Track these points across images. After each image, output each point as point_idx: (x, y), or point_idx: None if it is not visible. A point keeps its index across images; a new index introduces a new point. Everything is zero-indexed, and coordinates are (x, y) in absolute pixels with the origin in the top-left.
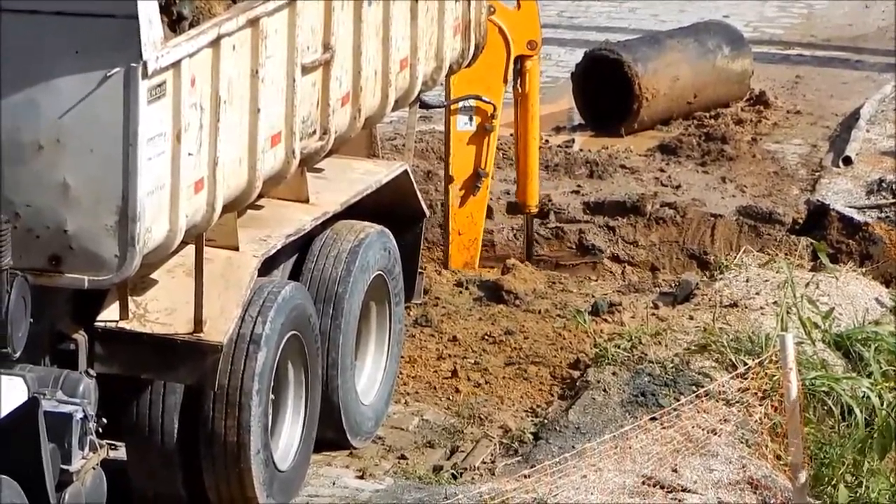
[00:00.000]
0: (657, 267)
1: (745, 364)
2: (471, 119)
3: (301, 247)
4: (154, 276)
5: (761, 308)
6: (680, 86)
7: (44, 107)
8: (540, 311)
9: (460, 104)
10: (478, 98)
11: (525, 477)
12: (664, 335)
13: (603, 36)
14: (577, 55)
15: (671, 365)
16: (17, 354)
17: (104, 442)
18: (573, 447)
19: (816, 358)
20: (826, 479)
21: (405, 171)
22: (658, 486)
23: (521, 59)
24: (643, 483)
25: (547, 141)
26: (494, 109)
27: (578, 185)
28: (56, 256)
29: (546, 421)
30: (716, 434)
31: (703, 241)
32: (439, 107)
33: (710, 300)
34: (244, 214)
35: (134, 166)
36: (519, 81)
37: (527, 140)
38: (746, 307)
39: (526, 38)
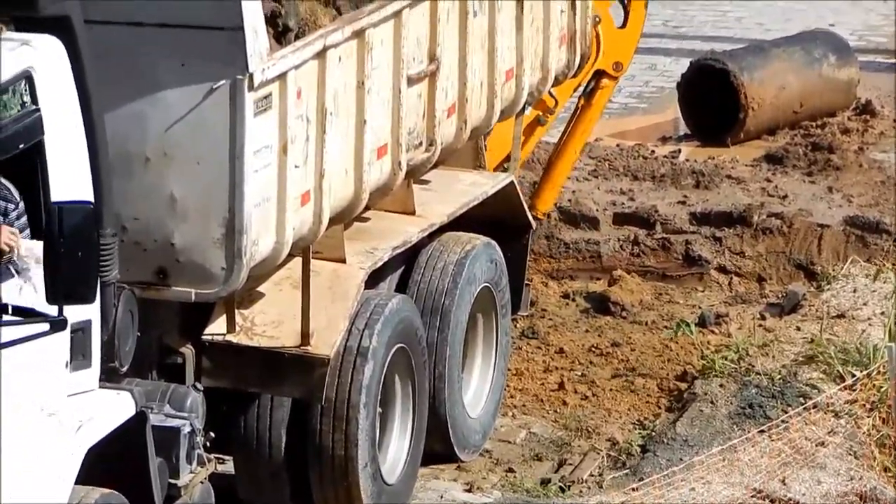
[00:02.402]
0: (764, 278)
1: (853, 375)
2: (528, 105)
3: (407, 259)
4: (261, 288)
5: (869, 319)
6: (786, 95)
7: (150, 119)
8: (647, 323)
9: None
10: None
11: (633, 490)
12: (771, 346)
13: (708, 45)
14: (683, 65)
15: (779, 376)
16: (125, 368)
17: (212, 456)
18: (681, 460)
19: None
20: None
21: (511, 183)
22: (767, 499)
23: (600, 74)
24: (752, 496)
25: (653, 151)
26: (555, 106)
27: (685, 196)
28: (163, 269)
29: (654, 433)
30: (824, 446)
31: (809, 252)
32: None
33: (817, 311)
34: (351, 226)
35: (240, 178)
36: (588, 93)
37: (567, 149)
38: (854, 318)
39: (616, 57)
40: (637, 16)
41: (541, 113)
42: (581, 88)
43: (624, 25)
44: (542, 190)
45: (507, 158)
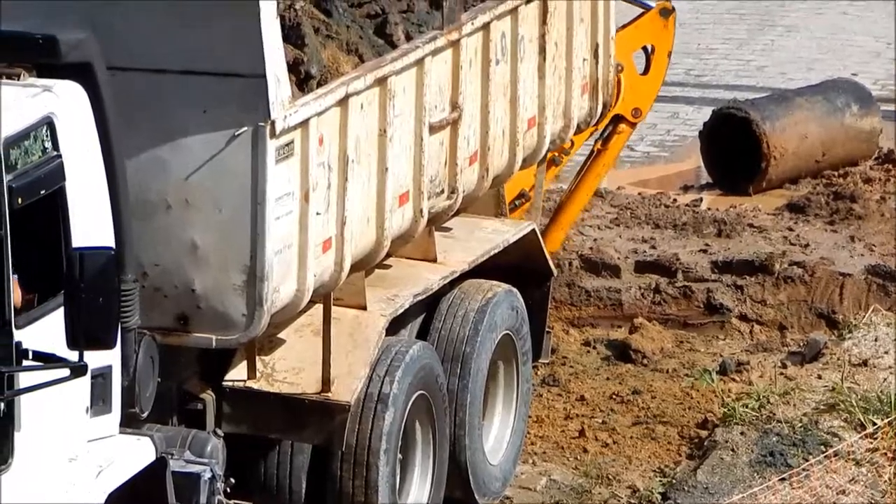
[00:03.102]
0: (785, 326)
1: (875, 424)
2: (549, 152)
3: (428, 306)
4: (282, 335)
5: (890, 367)
6: (808, 144)
7: (172, 166)
8: (668, 371)
9: None
10: None
11: None
12: (792, 394)
13: (731, 94)
14: (705, 113)
15: (800, 425)
16: (146, 414)
17: (232, 502)
18: None
19: None
20: None
21: (533, 230)
22: None
23: (618, 119)
24: None
25: (675, 199)
26: (571, 147)
27: (706, 244)
28: (184, 316)
29: (674, 481)
30: (845, 494)
31: (831, 300)
32: None
33: (838, 359)
34: (372, 273)
35: (262, 225)
36: (605, 137)
37: (579, 192)
38: (875, 366)
39: (635, 103)
40: (659, 64)
41: (556, 153)
42: (598, 132)
43: (646, 72)
44: (551, 230)
45: (518, 195)
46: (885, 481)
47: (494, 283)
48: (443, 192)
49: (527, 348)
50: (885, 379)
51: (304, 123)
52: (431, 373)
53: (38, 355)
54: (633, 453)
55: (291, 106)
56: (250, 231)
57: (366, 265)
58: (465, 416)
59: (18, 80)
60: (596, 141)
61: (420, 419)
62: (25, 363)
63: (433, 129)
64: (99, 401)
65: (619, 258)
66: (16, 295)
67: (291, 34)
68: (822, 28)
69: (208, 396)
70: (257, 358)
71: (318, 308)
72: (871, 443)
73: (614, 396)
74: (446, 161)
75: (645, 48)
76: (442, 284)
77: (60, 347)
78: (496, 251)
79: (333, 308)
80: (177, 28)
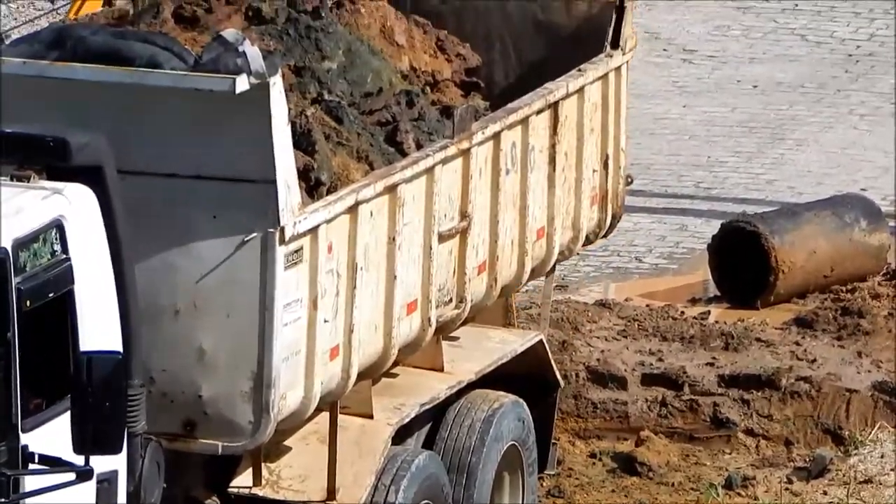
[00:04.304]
0: (791, 441)
1: None
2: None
3: (435, 415)
4: (288, 442)
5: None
6: (816, 259)
7: (181, 270)
8: (673, 484)
9: None
10: None
11: None
12: None
13: (740, 207)
14: (714, 226)
15: None
16: None
17: None
18: None
19: None
20: None
21: (540, 341)
22: None
23: None
24: None
25: (682, 312)
26: None
27: (713, 358)
28: (190, 422)
29: None
30: None
31: (837, 416)
32: None
33: (844, 476)
34: (379, 382)
35: (270, 332)
36: None
37: None
38: (881, 483)
39: None
40: None
41: None
42: None
43: None
44: None
45: None
46: None
47: (501, 393)
48: (451, 301)
49: (532, 459)
50: (890, 496)
51: (314, 230)
52: (437, 483)
53: (45, 459)
54: None
55: (301, 212)
56: (258, 337)
57: (373, 373)
58: None
59: (28, 182)
60: None
61: None
62: (31, 467)
63: (442, 238)
64: None
65: (625, 370)
66: None
67: (302, 140)
68: (832, 142)
69: (214, 502)
70: (263, 465)
71: (325, 416)
72: None
73: None
74: (455, 270)
75: None
76: (449, 394)
77: (67, 451)
78: (503, 361)
79: (340, 416)
80: (188, 133)
